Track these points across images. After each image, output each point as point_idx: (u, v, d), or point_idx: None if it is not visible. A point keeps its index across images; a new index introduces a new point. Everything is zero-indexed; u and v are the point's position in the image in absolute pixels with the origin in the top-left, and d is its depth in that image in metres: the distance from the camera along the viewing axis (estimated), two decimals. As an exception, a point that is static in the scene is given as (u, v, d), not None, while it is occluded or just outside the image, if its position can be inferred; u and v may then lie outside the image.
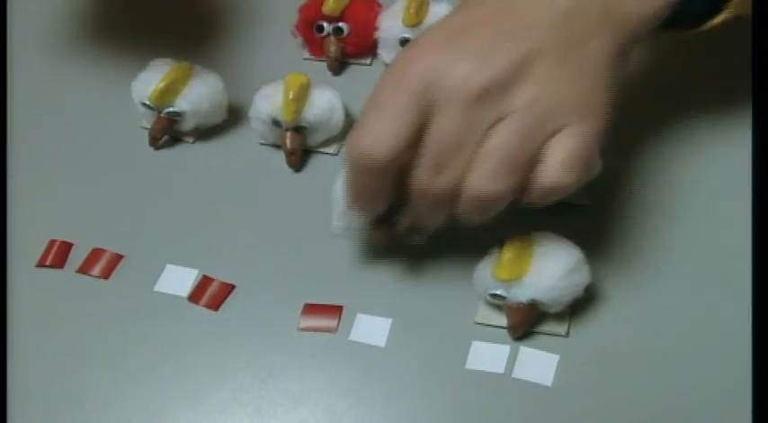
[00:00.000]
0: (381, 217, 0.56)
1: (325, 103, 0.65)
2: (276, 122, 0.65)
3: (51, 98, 0.72)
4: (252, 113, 0.66)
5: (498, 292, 0.54)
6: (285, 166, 0.66)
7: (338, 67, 0.72)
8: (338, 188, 0.56)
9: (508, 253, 0.53)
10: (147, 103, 0.66)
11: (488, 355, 0.55)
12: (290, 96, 0.63)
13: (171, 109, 0.66)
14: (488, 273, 0.54)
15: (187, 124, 0.67)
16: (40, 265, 0.62)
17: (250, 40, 0.75)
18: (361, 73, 0.72)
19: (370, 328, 0.57)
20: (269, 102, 0.64)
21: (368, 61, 0.72)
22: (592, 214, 0.60)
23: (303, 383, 0.55)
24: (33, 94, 0.72)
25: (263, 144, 0.67)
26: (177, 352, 0.57)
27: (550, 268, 0.53)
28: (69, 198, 0.66)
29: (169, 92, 0.65)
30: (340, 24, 0.70)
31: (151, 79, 0.66)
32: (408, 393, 0.54)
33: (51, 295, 0.61)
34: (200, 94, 0.66)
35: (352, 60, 0.72)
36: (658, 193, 0.61)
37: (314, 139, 0.66)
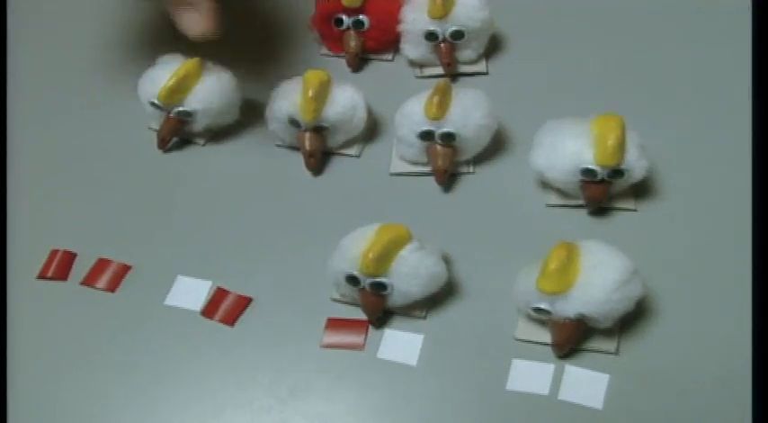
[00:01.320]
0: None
1: (346, 101, 0.63)
2: (294, 122, 0.63)
3: (53, 98, 0.70)
4: (268, 113, 0.64)
5: (542, 306, 0.52)
6: (304, 169, 0.64)
7: (358, 63, 0.69)
8: (331, 262, 0.55)
9: (553, 263, 0.51)
10: (156, 102, 0.64)
11: (531, 375, 0.53)
12: (310, 94, 0.61)
13: (180, 108, 0.64)
14: (531, 284, 0.52)
15: (198, 125, 0.65)
16: (42, 276, 0.60)
17: (264, 34, 0.73)
18: (382, 69, 0.70)
19: (400, 345, 0.55)
20: (287, 100, 0.62)
21: (389, 57, 0.70)
22: (638, 221, 0.59)
23: (328, 405, 0.53)
24: (34, 94, 0.71)
25: (279, 146, 0.66)
26: (190, 371, 0.55)
27: (600, 280, 0.51)
28: (72, 205, 0.64)
29: (179, 90, 0.64)
30: (360, 17, 0.68)
31: (159, 77, 0.64)
32: (443, 417, 0.52)
33: (53, 310, 0.59)
34: (211, 92, 0.64)
35: (372, 56, 0.70)
36: (709, 197, 0.60)
37: (334, 140, 0.64)
